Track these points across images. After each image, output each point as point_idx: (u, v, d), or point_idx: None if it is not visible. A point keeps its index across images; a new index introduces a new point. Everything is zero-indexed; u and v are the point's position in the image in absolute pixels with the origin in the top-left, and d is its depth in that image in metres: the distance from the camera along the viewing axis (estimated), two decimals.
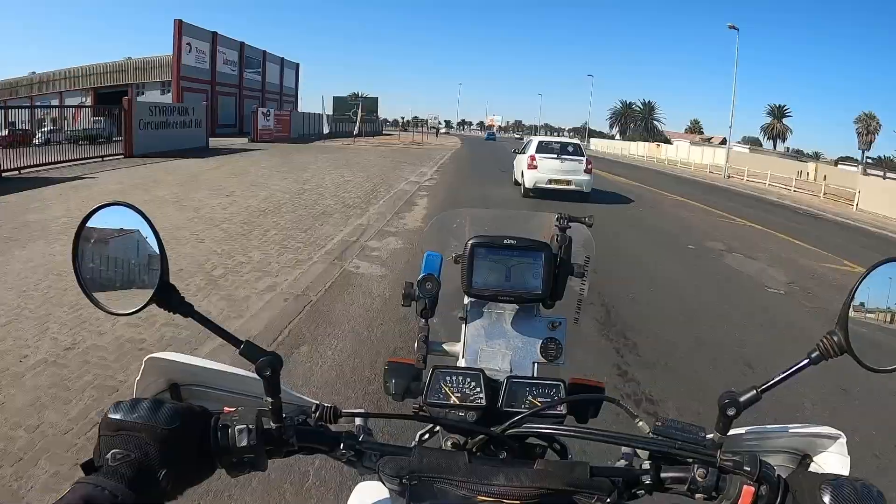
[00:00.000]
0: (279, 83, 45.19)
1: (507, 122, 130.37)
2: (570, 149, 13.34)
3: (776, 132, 70.70)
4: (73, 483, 0.51)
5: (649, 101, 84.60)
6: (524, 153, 13.36)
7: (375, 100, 40.00)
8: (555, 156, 12.87)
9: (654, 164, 37.44)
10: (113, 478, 0.52)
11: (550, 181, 12.50)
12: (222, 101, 35.38)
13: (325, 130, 30.38)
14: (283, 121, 31.85)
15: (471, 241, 0.84)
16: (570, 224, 0.88)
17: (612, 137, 78.39)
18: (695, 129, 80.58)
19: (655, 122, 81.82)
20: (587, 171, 12.79)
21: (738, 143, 59.45)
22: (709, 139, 64.55)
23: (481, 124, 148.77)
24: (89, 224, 0.62)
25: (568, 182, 12.59)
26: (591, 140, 68.39)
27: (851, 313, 0.61)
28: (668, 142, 57.83)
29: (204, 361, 0.72)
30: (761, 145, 67.08)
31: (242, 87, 38.87)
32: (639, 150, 48.11)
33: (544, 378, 0.77)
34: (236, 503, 2.11)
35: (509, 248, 0.84)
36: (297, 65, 48.98)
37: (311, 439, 0.65)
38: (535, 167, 12.74)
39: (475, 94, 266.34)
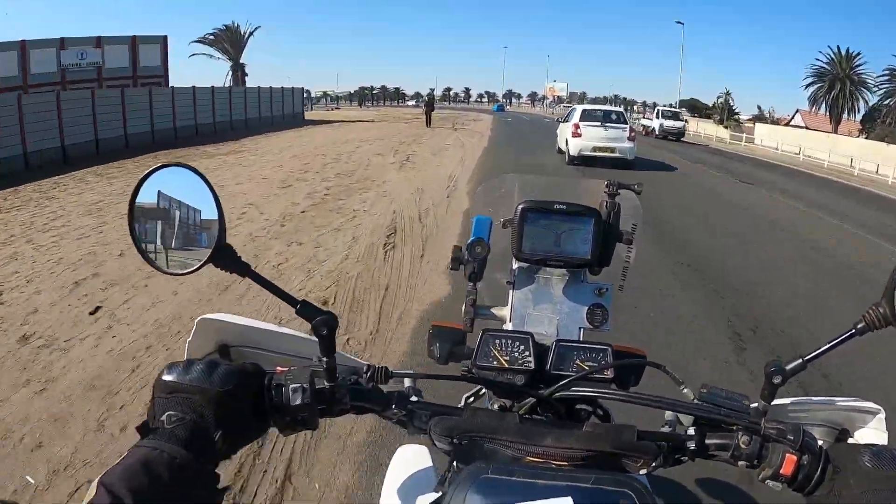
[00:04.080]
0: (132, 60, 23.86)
1: (571, 94, 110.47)
2: (614, 117, 15.59)
3: None
4: (130, 447, 0.57)
5: None
6: (568, 122, 15.54)
7: None
8: (598, 124, 14.69)
9: None
10: (170, 440, 0.58)
11: (595, 149, 14.17)
12: None
13: None
14: None
15: (521, 206, 0.93)
16: (619, 191, 0.97)
17: (777, 122, 43.07)
18: None
19: None
20: (630, 138, 14.59)
21: None
22: None
23: (534, 95, 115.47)
24: (146, 184, 0.68)
25: (612, 150, 14.23)
26: (757, 126, 40.99)
27: None
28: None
29: (254, 322, 0.82)
30: None
31: None
32: None
33: (592, 342, 0.86)
34: (277, 463, 2.51)
35: (559, 214, 0.93)
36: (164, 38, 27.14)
37: (363, 399, 0.72)
38: (580, 135, 14.41)
39: (533, 58, 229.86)
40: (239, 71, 44.99)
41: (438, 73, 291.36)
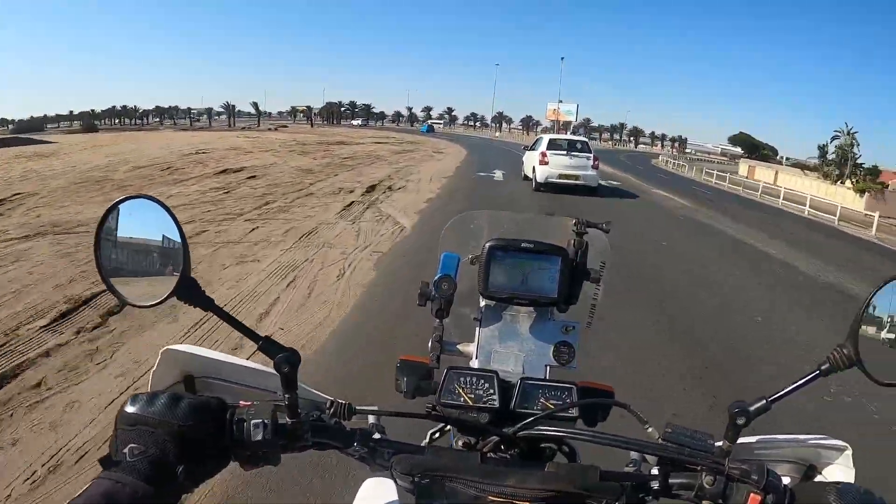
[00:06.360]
0: None
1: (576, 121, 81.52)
2: (579, 146, 16.96)
3: None
4: (93, 479, 0.60)
5: None
6: (535, 150, 17.15)
7: None
8: (564, 152, 16.20)
9: None
10: (132, 473, 0.61)
11: (560, 176, 15.84)
12: None
13: None
14: None
15: (489, 244, 0.97)
16: (587, 229, 1.00)
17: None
18: None
19: None
20: (594, 166, 16.42)
21: None
22: None
23: (527, 120, 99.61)
24: (112, 215, 0.72)
25: (576, 177, 15.97)
26: None
27: (862, 327, 0.71)
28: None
29: (220, 354, 0.86)
30: None
31: None
32: None
33: (557, 381, 0.89)
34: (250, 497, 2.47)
35: (526, 252, 0.96)
36: None
37: (325, 435, 0.76)
38: (546, 163, 15.94)
39: (533, 79, 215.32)
40: None
41: (426, 92, 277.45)
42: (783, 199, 22.43)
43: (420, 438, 0.87)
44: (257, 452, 0.71)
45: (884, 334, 0.73)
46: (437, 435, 0.94)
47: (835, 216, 18.36)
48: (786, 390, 0.73)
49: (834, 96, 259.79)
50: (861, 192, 31.10)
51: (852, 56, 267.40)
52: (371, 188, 14.54)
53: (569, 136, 20.31)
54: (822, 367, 0.72)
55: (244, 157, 21.82)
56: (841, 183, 36.76)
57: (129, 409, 0.67)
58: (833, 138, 42.80)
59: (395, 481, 0.75)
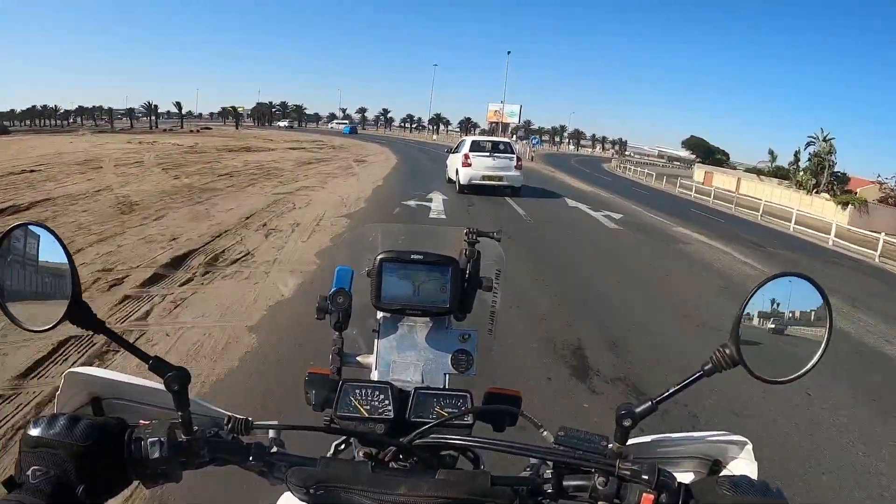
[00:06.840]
0: None
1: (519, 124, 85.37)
2: (502, 147, 17.20)
3: None
4: None
5: None
6: (458, 152, 17.21)
7: None
8: (487, 154, 16.37)
9: None
10: (34, 495, 0.64)
11: (484, 177, 16.06)
12: None
13: None
14: None
15: (379, 256, 0.99)
16: (478, 238, 1.02)
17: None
18: None
19: None
20: (517, 167, 16.75)
21: None
22: None
23: (466, 122, 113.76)
24: (7, 242, 0.75)
25: (500, 178, 16.26)
26: None
27: (743, 326, 0.73)
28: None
29: (122, 376, 0.87)
30: None
31: None
32: None
33: (451, 389, 0.92)
34: None
35: (417, 263, 0.98)
36: None
37: (222, 451, 0.77)
38: (470, 165, 16.09)
39: (474, 79, 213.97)
40: None
41: (363, 93, 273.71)
42: (795, 224, 18.47)
43: (327, 451, 0.90)
44: (156, 470, 0.72)
45: (768, 330, 0.74)
46: (342, 447, 0.94)
47: (865, 249, 15.33)
48: (670, 391, 0.74)
49: (781, 99, 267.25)
50: (843, 204, 28.37)
51: (799, 59, 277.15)
52: (172, 264, 6.47)
53: (492, 138, 21.31)
54: (706, 368, 0.73)
55: (78, 177, 15.44)
56: (817, 193, 34.02)
57: (32, 431, 0.69)
58: (808, 144, 39.82)
59: (292, 493, 0.76)
